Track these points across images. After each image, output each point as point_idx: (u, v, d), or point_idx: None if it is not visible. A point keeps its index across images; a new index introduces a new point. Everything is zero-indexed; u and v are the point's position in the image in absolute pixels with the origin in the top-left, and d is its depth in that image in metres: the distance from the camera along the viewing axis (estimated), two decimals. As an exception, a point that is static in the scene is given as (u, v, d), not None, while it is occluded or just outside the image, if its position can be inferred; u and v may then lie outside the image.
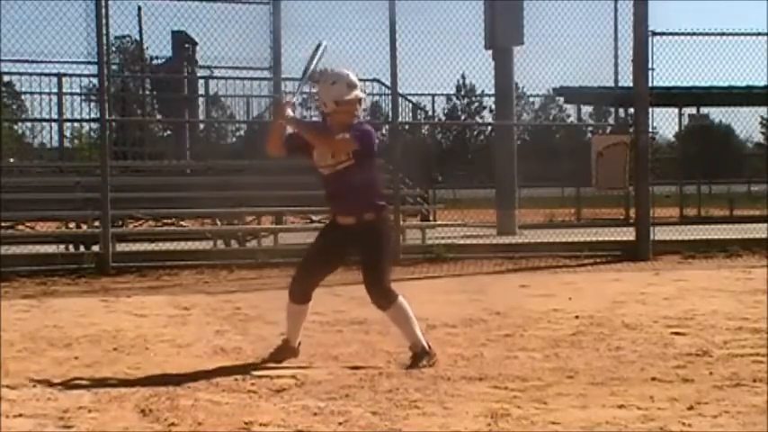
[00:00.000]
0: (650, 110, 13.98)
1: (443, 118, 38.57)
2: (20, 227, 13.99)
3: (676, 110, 23.27)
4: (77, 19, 14.76)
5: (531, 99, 38.42)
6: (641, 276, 11.71)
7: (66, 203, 13.47)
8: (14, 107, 25.21)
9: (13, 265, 11.63)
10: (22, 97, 21.32)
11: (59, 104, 17.32)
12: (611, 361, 6.16)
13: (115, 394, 5.19)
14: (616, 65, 18.50)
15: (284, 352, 6.11)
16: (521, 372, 5.80)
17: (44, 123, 19.01)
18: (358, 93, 5.93)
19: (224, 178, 14.78)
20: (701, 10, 56.25)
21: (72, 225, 13.50)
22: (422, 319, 7.56)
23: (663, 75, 25.20)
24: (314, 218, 14.22)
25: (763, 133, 36.07)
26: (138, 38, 21.59)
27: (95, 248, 12.41)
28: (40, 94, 17.36)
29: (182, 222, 15.16)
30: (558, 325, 7.73)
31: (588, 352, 6.51)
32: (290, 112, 5.99)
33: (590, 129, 23.82)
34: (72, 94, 17.72)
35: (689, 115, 24.41)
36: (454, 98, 46.42)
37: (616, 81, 18.74)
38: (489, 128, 35.14)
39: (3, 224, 13.19)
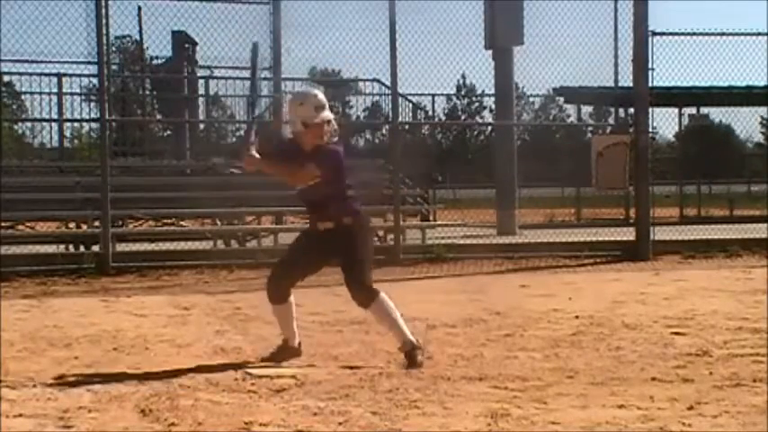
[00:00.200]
0: (650, 110, 13.97)
1: (443, 118, 38.55)
2: (20, 227, 13.97)
3: (676, 110, 23.27)
4: (77, 19, 14.75)
5: (531, 99, 38.48)
6: (641, 276, 11.71)
7: (66, 203, 13.46)
8: (14, 107, 25.19)
9: (13, 265, 11.62)
10: (22, 97, 21.30)
11: (59, 104, 17.31)
12: (611, 361, 6.16)
13: (115, 394, 5.20)
14: (616, 65, 18.48)
15: (284, 352, 6.14)
16: (521, 372, 5.80)
17: (44, 123, 19.02)
18: (325, 115, 5.95)
19: (224, 178, 14.76)
20: (701, 10, 56.38)
21: (72, 225, 13.48)
22: (422, 318, 7.60)
23: (663, 75, 25.18)
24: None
25: (763, 133, 36.08)
26: (138, 38, 21.63)
27: (95, 248, 12.41)
28: (40, 94, 17.36)
29: (182, 222, 15.15)
30: (558, 325, 7.73)
31: (588, 352, 6.51)
32: (254, 152, 5.95)
33: (590, 129, 23.77)
34: (72, 94, 17.73)
35: (689, 115, 24.42)
36: (454, 98, 46.43)
37: (616, 81, 18.71)
38: (489, 128, 35.11)
39: (3, 224, 13.17)
